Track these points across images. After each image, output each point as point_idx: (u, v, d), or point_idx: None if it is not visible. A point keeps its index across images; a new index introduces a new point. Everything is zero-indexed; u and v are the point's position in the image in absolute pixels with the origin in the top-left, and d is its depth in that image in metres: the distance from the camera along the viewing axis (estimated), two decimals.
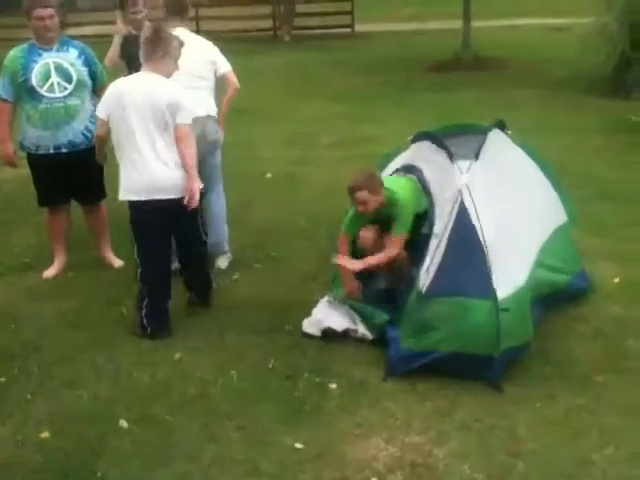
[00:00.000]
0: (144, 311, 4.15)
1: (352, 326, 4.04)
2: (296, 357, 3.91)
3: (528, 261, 3.92)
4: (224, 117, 5.05)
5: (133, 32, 5.24)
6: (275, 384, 3.70)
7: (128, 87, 4.07)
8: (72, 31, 14.00)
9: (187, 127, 4.03)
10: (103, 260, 5.25)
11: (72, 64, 4.79)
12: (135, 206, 4.08)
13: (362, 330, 4.01)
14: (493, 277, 3.58)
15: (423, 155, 4.35)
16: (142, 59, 4.11)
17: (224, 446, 3.25)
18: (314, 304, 4.24)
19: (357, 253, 4.29)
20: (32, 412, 3.55)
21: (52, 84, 4.71)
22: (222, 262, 5.11)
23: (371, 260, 4.18)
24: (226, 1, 21.61)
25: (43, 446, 3.30)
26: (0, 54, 5.08)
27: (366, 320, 4.04)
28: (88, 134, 4.82)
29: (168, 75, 4.13)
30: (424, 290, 3.69)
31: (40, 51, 4.75)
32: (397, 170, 4.47)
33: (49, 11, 4.70)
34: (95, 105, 4.43)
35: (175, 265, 4.46)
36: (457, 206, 3.78)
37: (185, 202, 4.01)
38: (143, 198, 4.03)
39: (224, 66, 4.96)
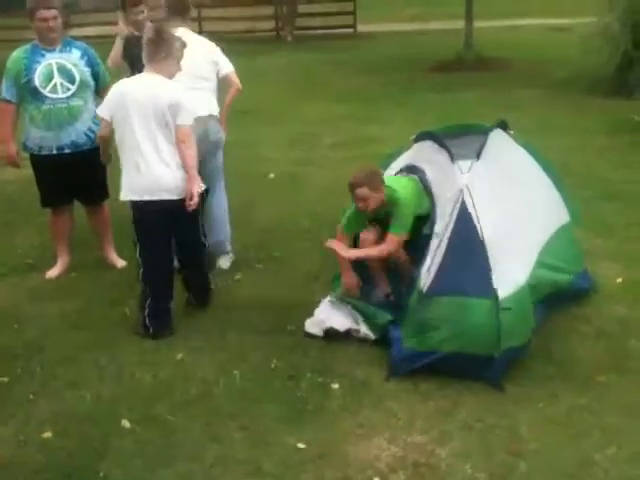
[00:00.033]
0: (146, 311, 4.16)
1: (354, 326, 4.04)
2: (298, 357, 3.91)
3: (530, 261, 3.92)
4: (226, 117, 5.05)
5: (135, 33, 5.25)
6: (277, 384, 3.70)
7: (130, 88, 4.08)
8: (75, 32, 14.13)
9: (188, 128, 4.04)
10: (106, 260, 5.26)
11: (75, 65, 4.80)
12: (137, 206, 4.10)
13: (364, 330, 4.01)
14: (493, 277, 3.58)
15: (425, 155, 4.35)
16: (145, 60, 4.12)
17: (226, 446, 3.25)
18: (316, 304, 4.25)
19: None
20: (35, 412, 3.56)
21: (55, 85, 4.72)
22: (224, 262, 5.12)
23: (365, 252, 4.19)
24: (228, 2, 21.61)
25: (45, 446, 3.31)
26: (3, 55, 5.09)
27: (368, 320, 4.04)
28: (91, 135, 4.83)
29: (171, 76, 4.14)
30: (425, 289, 3.69)
31: (43, 52, 4.76)
32: (400, 170, 4.47)
33: (53, 12, 4.71)
34: (98, 106, 4.44)
35: (175, 264, 4.46)
36: (458, 206, 3.78)
37: (186, 203, 4.02)
38: (145, 198, 4.04)
39: (226, 67, 4.97)
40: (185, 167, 4.03)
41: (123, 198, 4.14)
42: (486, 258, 3.62)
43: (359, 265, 4.29)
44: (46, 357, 4.05)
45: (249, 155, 7.80)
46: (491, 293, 3.55)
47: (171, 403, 3.58)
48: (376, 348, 3.92)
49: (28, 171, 5.10)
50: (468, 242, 3.69)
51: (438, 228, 3.86)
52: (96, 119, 4.67)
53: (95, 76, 4.91)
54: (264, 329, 4.23)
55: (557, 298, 4.12)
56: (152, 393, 3.68)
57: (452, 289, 3.63)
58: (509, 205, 3.96)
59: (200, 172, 4.18)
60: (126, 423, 3.43)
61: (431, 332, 3.61)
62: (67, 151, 4.82)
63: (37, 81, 4.69)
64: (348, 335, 4.03)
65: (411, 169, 4.36)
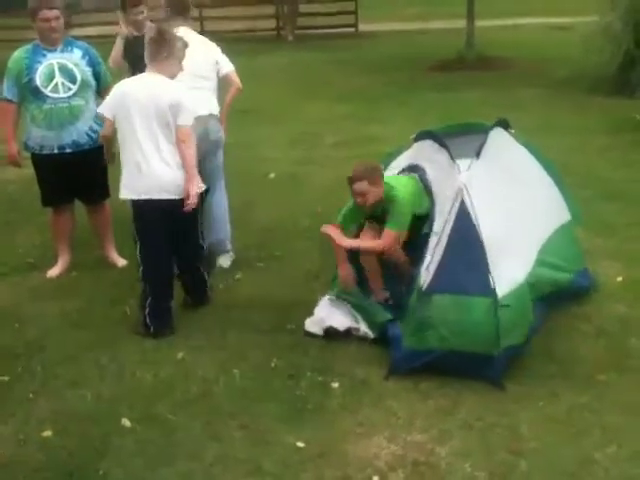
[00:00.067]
0: (147, 310, 4.17)
1: (354, 325, 4.04)
2: (298, 356, 3.91)
3: (529, 259, 3.93)
4: (226, 117, 5.06)
5: (135, 33, 5.26)
6: (277, 383, 3.70)
7: (132, 88, 4.10)
8: (76, 32, 14.15)
9: (188, 128, 4.05)
10: (107, 260, 5.26)
11: (76, 64, 4.80)
12: (138, 205, 4.11)
13: (364, 329, 4.01)
14: (493, 275, 3.58)
15: (425, 154, 4.34)
16: (147, 60, 4.13)
17: (226, 445, 3.26)
18: (317, 303, 4.25)
19: (356, 254, 4.29)
20: (35, 411, 3.56)
21: (56, 84, 4.73)
22: (225, 261, 5.12)
23: (361, 242, 4.19)
24: (229, 1, 21.64)
25: (45, 445, 3.31)
26: (4, 55, 5.10)
27: (368, 318, 4.04)
28: (92, 134, 4.84)
29: (172, 76, 4.15)
30: (424, 288, 3.68)
31: (44, 52, 4.76)
32: (402, 170, 4.46)
33: (55, 12, 4.71)
34: (99, 106, 4.44)
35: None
36: (457, 204, 3.78)
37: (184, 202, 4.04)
38: (145, 197, 4.05)
39: (227, 66, 4.97)
40: (185, 167, 4.04)
41: (123, 197, 4.15)
42: (485, 256, 3.62)
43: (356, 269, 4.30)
44: (47, 356, 4.06)
45: (250, 155, 7.80)
46: (490, 291, 3.55)
47: (171, 402, 3.59)
48: (376, 347, 3.92)
49: (29, 170, 5.10)
50: (467, 240, 3.69)
51: (437, 227, 3.86)
52: (97, 118, 4.68)
53: (96, 76, 4.92)
54: (264, 328, 4.23)
55: (557, 297, 4.12)
56: (152, 392, 3.68)
57: (451, 287, 3.63)
58: (509, 203, 3.96)
59: (200, 171, 4.20)
60: (126, 422, 3.43)
61: (430, 330, 3.60)
62: (68, 150, 4.83)
63: (38, 81, 4.70)
64: (348, 334, 4.03)
65: (412, 168, 4.36)
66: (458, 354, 3.57)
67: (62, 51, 4.80)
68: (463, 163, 3.94)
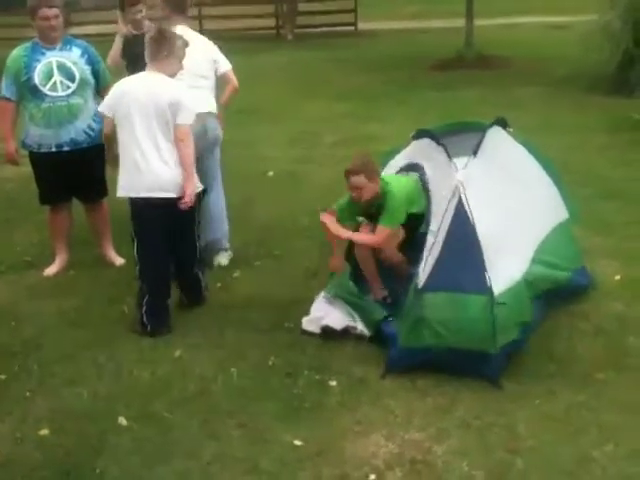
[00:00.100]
0: (144, 308, 4.16)
1: (351, 323, 4.03)
2: (296, 355, 3.91)
3: (526, 257, 3.92)
4: (222, 115, 5.06)
5: (133, 32, 5.26)
6: (275, 381, 3.70)
7: (132, 87, 4.10)
8: (75, 30, 14.10)
9: (187, 127, 4.05)
10: (104, 258, 5.26)
11: (75, 63, 4.80)
12: (136, 203, 4.11)
13: (361, 327, 4.00)
14: (489, 273, 3.57)
15: (424, 153, 4.34)
16: (147, 59, 4.13)
17: (224, 443, 3.25)
18: (313, 301, 4.24)
19: (352, 253, 4.29)
20: (32, 410, 3.56)
21: (55, 83, 4.72)
22: (223, 259, 5.11)
23: (354, 234, 4.21)
24: (229, 0, 21.63)
25: (42, 443, 3.31)
26: (3, 53, 5.09)
27: (365, 315, 4.03)
28: (91, 132, 4.83)
29: (172, 75, 4.15)
30: (420, 285, 3.68)
31: (43, 50, 4.76)
32: (401, 169, 4.46)
33: (54, 11, 4.70)
34: (98, 104, 4.44)
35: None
36: (453, 203, 3.77)
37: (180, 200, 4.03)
38: (143, 195, 4.04)
39: (225, 65, 4.97)
40: (182, 165, 4.04)
41: (121, 195, 4.15)
42: (481, 254, 3.61)
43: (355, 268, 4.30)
44: (44, 355, 4.05)
45: (249, 153, 7.80)
46: (486, 289, 3.54)
47: (169, 400, 3.58)
48: (373, 345, 3.92)
49: (27, 169, 5.10)
50: (463, 238, 3.68)
51: (433, 225, 3.85)
52: (96, 117, 4.68)
53: (95, 74, 4.91)
54: (262, 326, 4.22)
55: (555, 295, 4.11)
56: (150, 390, 3.68)
57: (447, 285, 3.62)
58: (506, 202, 3.95)
59: (197, 169, 4.19)
60: (123, 420, 3.42)
61: (427, 328, 3.60)
62: (66, 149, 4.82)
63: (37, 79, 4.69)
64: (345, 332, 4.03)
65: (411, 167, 4.36)
66: (455, 352, 3.56)
67: (61, 49, 4.80)
68: (460, 161, 3.93)
